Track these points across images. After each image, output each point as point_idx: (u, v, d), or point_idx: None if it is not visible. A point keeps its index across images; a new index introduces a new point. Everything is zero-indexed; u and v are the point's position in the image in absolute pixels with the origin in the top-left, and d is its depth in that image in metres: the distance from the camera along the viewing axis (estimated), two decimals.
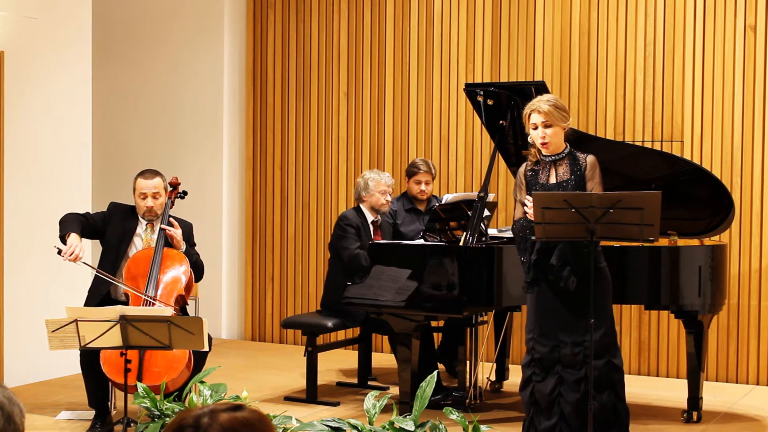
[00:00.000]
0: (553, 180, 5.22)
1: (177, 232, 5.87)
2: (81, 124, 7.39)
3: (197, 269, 6.04)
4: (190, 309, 6.40)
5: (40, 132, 7.10)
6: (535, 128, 5.19)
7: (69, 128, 7.29)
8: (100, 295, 5.82)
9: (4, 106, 6.75)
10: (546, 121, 5.15)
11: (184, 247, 5.91)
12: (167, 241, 5.86)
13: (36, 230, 6.99)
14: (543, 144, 5.18)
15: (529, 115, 5.21)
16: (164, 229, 5.84)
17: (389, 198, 6.83)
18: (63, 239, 5.69)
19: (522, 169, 5.36)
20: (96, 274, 5.81)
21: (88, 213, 6.01)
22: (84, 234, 5.86)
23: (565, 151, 5.25)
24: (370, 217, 6.81)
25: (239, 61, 8.95)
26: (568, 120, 5.23)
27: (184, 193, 6.16)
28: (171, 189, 6.07)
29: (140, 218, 5.96)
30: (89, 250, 6.24)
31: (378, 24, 8.43)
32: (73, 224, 5.76)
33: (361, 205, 6.83)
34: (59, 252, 5.60)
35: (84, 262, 5.65)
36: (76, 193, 7.29)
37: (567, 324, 5.11)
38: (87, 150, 7.44)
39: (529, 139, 5.27)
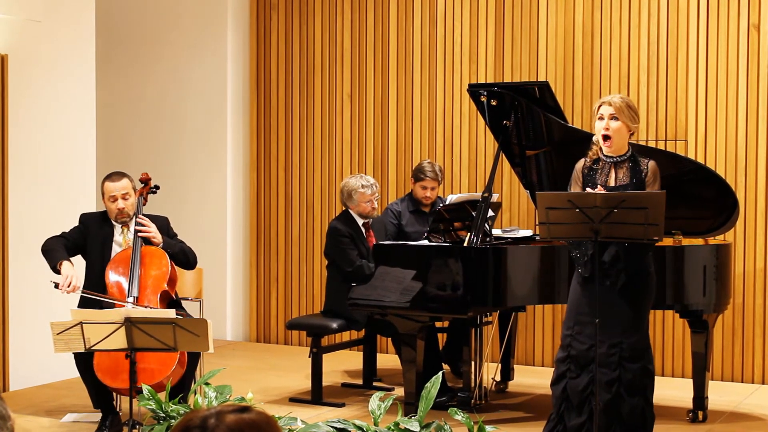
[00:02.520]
0: (612, 182, 5.15)
1: (151, 229, 5.87)
2: (85, 127, 7.39)
3: (185, 257, 6.01)
4: (195, 310, 6.39)
5: (44, 135, 7.10)
6: (601, 119, 5.13)
7: (73, 131, 7.30)
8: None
9: (8, 109, 6.76)
10: (614, 113, 5.09)
11: (161, 240, 5.90)
12: (144, 240, 5.86)
13: (40, 233, 6.96)
14: (604, 136, 5.11)
15: (599, 106, 5.15)
16: (138, 231, 5.84)
17: (376, 205, 6.82)
18: (56, 269, 5.68)
19: (579, 164, 5.27)
20: (82, 295, 5.79)
21: (64, 233, 5.95)
22: (69, 255, 5.85)
23: (627, 154, 5.17)
24: (359, 221, 6.81)
25: (242, 64, 8.95)
26: (636, 123, 5.16)
27: (156, 187, 6.13)
28: (142, 185, 6.07)
29: (113, 221, 5.95)
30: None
31: (381, 25, 8.44)
32: (59, 251, 5.74)
33: (349, 210, 6.82)
34: (56, 286, 5.60)
35: (82, 292, 5.65)
36: (80, 195, 7.29)
37: (605, 324, 5.05)
38: (91, 152, 7.44)
39: (594, 139, 5.21)
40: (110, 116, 9.04)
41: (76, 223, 6.03)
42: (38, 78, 7.05)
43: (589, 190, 5.13)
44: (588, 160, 5.24)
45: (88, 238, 5.94)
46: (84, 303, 5.81)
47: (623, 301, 5.08)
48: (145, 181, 6.09)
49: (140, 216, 5.91)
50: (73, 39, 7.30)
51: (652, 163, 5.17)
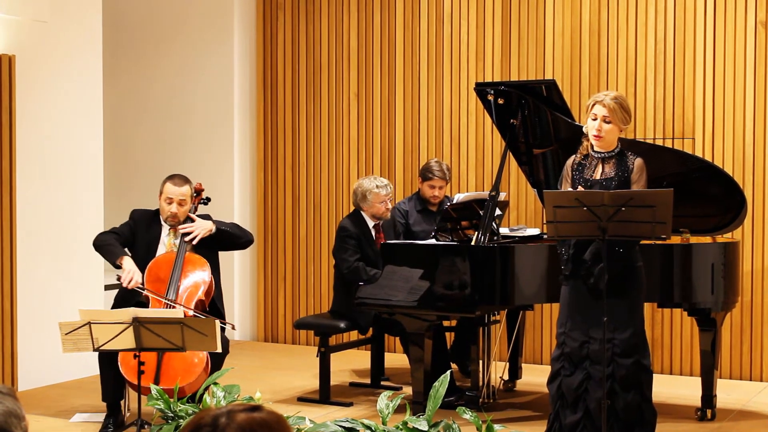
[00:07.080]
0: (597, 176, 5.21)
1: (195, 227, 5.91)
2: (92, 127, 7.40)
3: (240, 231, 6.19)
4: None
5: (52, 135, 7.11)
6: (594, 119, 5.18)
7: (80, 131, 7.31)
8: (127, 303, 5.81)
9: (15, 110, 6.76)
10: (607, 116, 5.14)
11: (213, 227, 5.97)
12: (192, 245, 5.92)
13: (49, 233, 7.01)
14: (596, 136, 5.17)
15: (593, 105, 5.20)
16: (185, 235, 5.88)
17: (389, 206, 6.80)
18: (116, 264, 5.79)
19: (569, 161, 5.34)
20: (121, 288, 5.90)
21: (114, 228, 6.04)
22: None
23: (615, 150, 5.23)
24: (370, 222, 6.79)
25: (249, 63, 8.96)
26: (628, 123, 5.23)
27: (208, 199, 6.24)
28: (195, 195, 6.12)
29: (163, 222, 5.99)
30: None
31: (388, 24, 8.43)
32: (116, 246, 5.86)
33: (361, 212, 6.80)
34: (118, 279, 5.76)
35: (138, 287, 5.74)
36: (89, 195, 7.31)
37: (597, 320, 5.06)
38: (98, 152, 7.45)
39: (584, 129, 5.26)
40: (117, 115, 9.05)
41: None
42: (45, 78, 7.06)
43: (570, 189, 5.19)
44: (578, 156, 5.31)
45: (137, 235, 6.01)
46: (124, 293, 5.89)
47: (613, 297, 5.08)
48: (199, 191, 6.15)
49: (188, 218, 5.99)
50: (80, 39, 7.30)
51: (638, 160, 5.22)
